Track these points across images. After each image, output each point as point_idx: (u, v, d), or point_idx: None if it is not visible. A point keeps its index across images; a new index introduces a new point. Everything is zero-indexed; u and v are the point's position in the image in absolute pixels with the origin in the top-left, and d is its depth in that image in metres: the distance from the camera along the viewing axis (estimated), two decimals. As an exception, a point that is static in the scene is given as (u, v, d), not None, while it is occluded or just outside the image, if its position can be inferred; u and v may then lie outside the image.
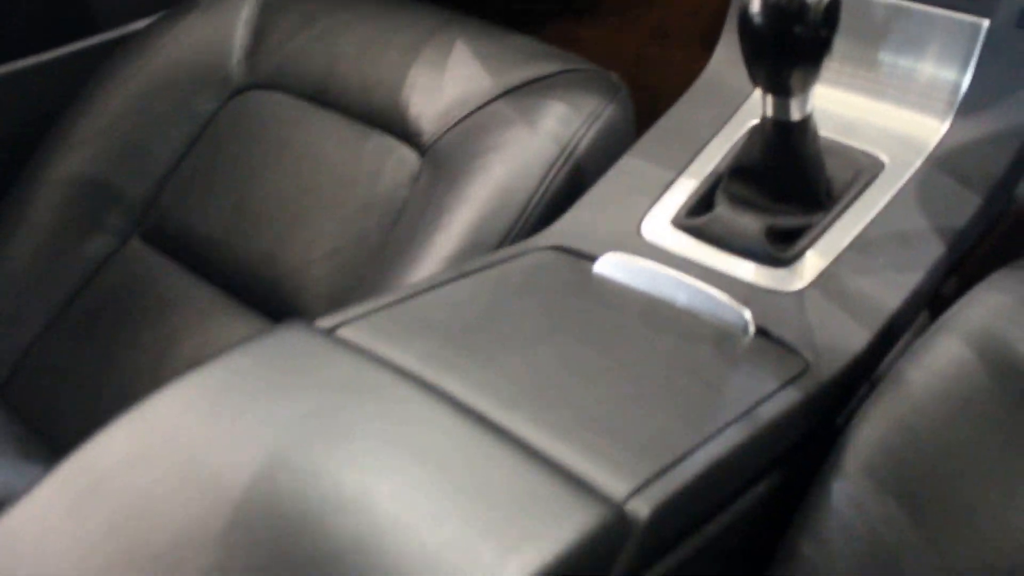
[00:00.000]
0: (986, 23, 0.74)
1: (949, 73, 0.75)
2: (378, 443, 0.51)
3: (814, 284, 0.66)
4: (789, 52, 0.61)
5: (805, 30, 0.61)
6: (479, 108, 0.88)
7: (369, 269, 0.86)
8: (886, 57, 0.78)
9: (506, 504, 0.47)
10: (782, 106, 0.66)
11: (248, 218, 0.96)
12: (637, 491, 0.49)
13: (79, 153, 1.06)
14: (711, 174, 0.74)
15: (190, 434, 0.53)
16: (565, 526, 0.46)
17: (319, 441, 0.51)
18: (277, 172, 0.96)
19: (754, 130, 0.70)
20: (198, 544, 0.47)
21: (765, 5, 0.60)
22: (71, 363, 0.98)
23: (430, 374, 0.56)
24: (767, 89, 0.65)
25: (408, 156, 0.90)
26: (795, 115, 0.66)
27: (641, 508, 0.48)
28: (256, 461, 0.50)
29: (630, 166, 0.78)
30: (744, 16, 0.61)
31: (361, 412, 0.53)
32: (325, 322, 0.62)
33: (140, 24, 1.18)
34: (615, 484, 0.49)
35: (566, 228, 0.74)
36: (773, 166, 0.70)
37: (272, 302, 0.91)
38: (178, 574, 0.46)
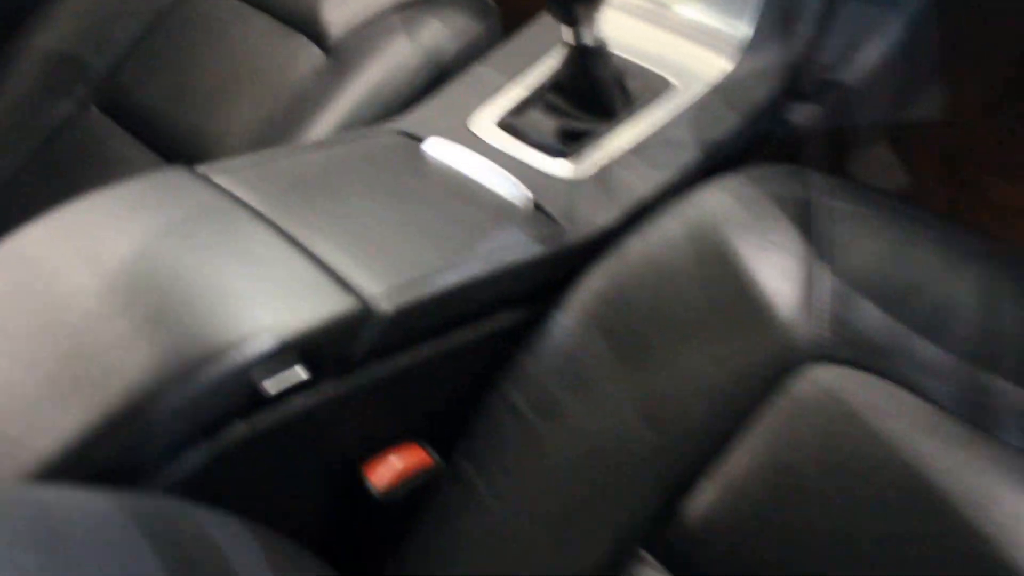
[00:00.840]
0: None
1: (735, 19, 0.93)
2: (208, 244, 0.70)
3: (590, 175, 0.85)
4: None
5: None
6: (374, 18, 1.06)
7: (274, 142, 1.04)
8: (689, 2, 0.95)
9: (285, 287, 0.66)
10: (575, 34, 0.84)
11: (185, 96, 1.14)
12: (386, 293, 0.68)
13: (55, 30, 1.24)
14: (534, 85, 0.92)
15: (90, 237, 0.72)
16: (324, 306, 0.65)
17: (172, 242, 0.70)
18: (211, 59, 1.14)
19: (565, 51, 0.88)
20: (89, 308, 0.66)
21: None
22: (32, 207, 1.17)
23: (265, 209, 0.75)
24: (559, 20, 0.82)
25: (316, 53, 1.08)
26: (587, 41, 0.84)
27: (386, 305, 0.67)
28: (129, 250, 0.70)
29: (476, 73, 0.96)
30: None
31: (204, 226, 0.73)
32: (203, 169, 0.80)
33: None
34: (371, 286, 0.68)
35: (414, 118, 0.92)
36: (574, 81, 0.88)
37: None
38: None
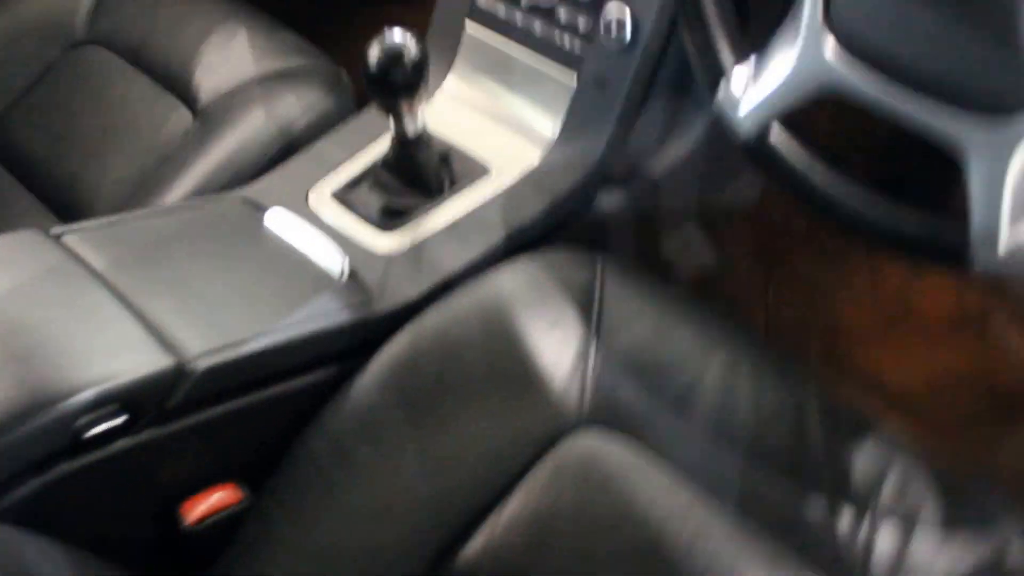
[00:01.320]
0: (574, 79, 1.04)
1: (546, 112, 1.06)
2: (47, 303, 0.81)
3: (404, 250, 0.97)
4: (389, 90, 0.91)
5: (402, 75, 0.91)
6: (237, 88, 1.17)
7: (142, 198, 1.15)
8: (511, 94, 1.08)
9: (113, 344, 0.78)
10: (398, 124, 0.96)
11: (66, 147, 1.24)
12: (201, 353, 0.80)
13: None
14: (369, 163, 1.05)
15: None
16: (144, 363, 0.77)
17: (13, 300, 0.81)
18: (92, 113, 1.24)
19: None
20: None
21: (374, 56, 0.90)
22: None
23: (106, 270, 0.86)
24: (384, 112, 0.95)
25: (185, 116, 1.19)
26: (409, 132, 0.97)
27: (199, 364, 0.79)
28: None
29: (321, 148, 1.08)
30: (363, 63, 0.91)
31: (46, 286, 0.83)
32: (57, 230, 0.91)
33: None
34: (189, 346, 0.80)
35: (261, 187, 1.04)
36: (399, 162, 1.00)
37: (73, 213, 1.20)
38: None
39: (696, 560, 0.73)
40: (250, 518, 0.84)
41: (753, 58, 0.75)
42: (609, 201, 1.09)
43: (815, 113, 0.74)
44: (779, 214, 1.33)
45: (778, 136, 0.74)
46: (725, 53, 0.75)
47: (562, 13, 1.04)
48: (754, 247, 1.36)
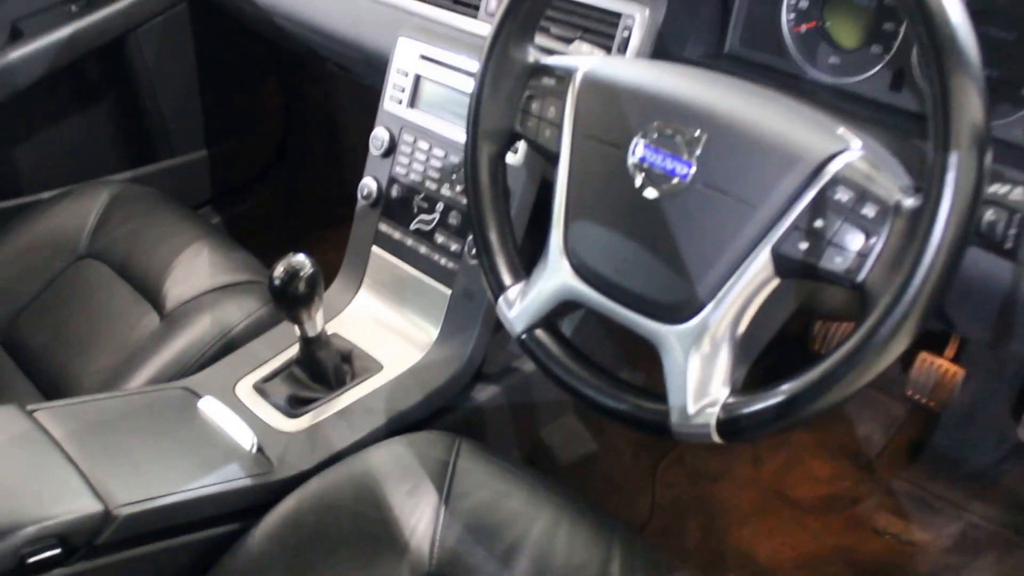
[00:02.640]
0: (449, 292, 1.32)
1: (429, 319, 1.34)
2: (8, 455, 1.07)
3: (304, 430, 1.23)
4: (290, 302, 1.19)
5: (298, 289, 1.18)
6: (195, 297, 1.46)
7: (113, 384, 1.42)
8: (404, 304, 1.37)
9: (56, 492, 1.03)
10: (300, 329, 1.24)
11: (60, 341, 1.52)
12: (125, 503, 1.05)
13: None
14: (286, 360, 1.32)
15: None
16: (78, 507, 1.01)
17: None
18: (83, 315, 1.53)
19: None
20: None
21: (277, 273, 1.18)
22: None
23: (62, 438, 1.11)
24: (287, 318, 1.23)
25: (154, 319, 1.48)
26: (309, 334, 1.24)
27: (123, 511, 1.04)
28: None
29: (252, 348, 1.35)
30: (268, 279, 1.19)
31: (9, 448, 1.09)
32: (32, 407, 1.18)
33: (43, 195, 1.79)
34: (117, 497, 1.05)
35: (199, 378, 1.31)
36: (306, 360, 1.28)
37: (59, 396, 1.47)
38: None
39: None
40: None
41: (523, 281, 1.03)
42: (485, 393, 1.34)
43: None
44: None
45: (541, 335, 1.00)
46: (504, 275, 1.03)
47: (438, 237, 1.33)
48: (640, 438, 1.60)
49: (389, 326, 1.38)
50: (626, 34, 1.19)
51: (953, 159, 0.71)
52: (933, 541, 1.44)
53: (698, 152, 0.86)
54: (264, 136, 2.21)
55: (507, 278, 1.03)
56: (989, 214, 0.78)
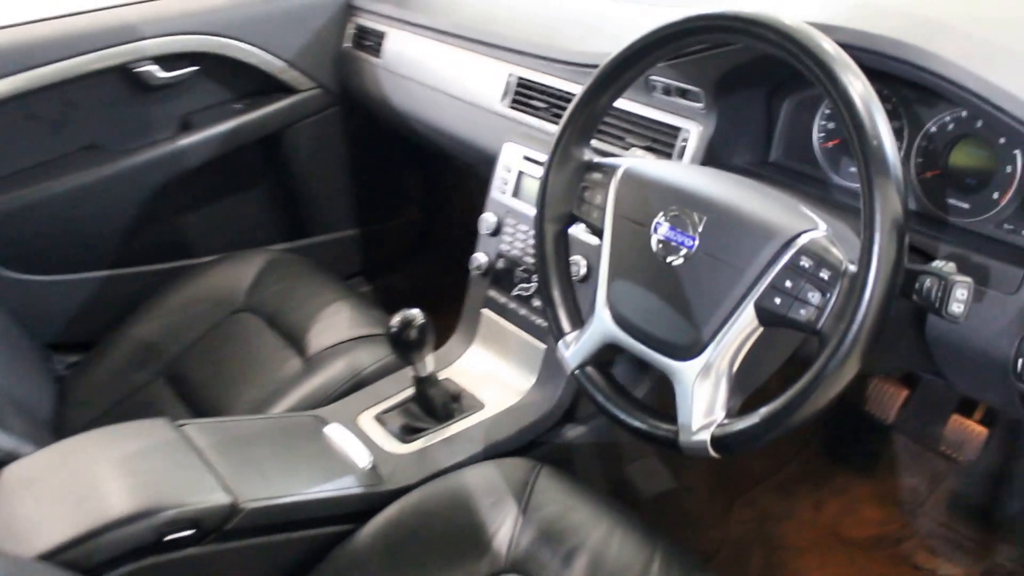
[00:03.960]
0: (544, 347, 1.49)
1: (528, 369, 1.51)
2: (158, 456, 1.28)
3: (412, 452, 1.41)
4: (404, 346, 1.38)
5: (410, 336, 1.38)
6: (333, 345, 1.68)
7: (258, 411, 1.64)
8: (507, 355, 1.55)
9: (195, 486, 1.23)
10: (414, 370, 1.43)
11: (215, 377, 1.75)
12: (251, 499, 1.24)
13: (149, 325, 1.89)
14: (406, 397, 1.51)
15: (89, 452, 1.30)
16: (211, 498, 1.21)
17: (140, 453, 1.29)
18: (238, 357, 1.76)
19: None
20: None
21: (393, 323, 1.37)
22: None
23: (204, 447, 1.32)
24: (402, 361, 1.42)
25: (297, 363, 1.69)
26: (421, 373, 1.43)
27: (248, 506, 1.23)
28: (107, 457, 1.28)
29: (377, 386, 1.55)
30: (387, 328, 1.39)
31: (160, 449, 1.30)
32: (181, 422, 1.39)
33: (208, 258, 2.06)
34: (244, 493, 1.24)
35: (330, 409, 1.51)
36: (420, 397, 1.46)
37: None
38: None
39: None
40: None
41: (578, 329, 1.21)
42: (573, 432, 1.50)
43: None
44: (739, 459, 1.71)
45: (590, 371, 1.17)
46: (564, 324, 1.23)
47: (534, 301, 1.51)
48: (716, 480, 1.73)
49: (494, 374, 1.56)
50: (683, 144, 1.40)
51: (876, 239, 0.91)
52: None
53: (700, 229, 1.07)
54: (407, 219, 2.46)
55: (566, 326, 1.24)
56: (928, 282, 0.94)
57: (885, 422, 1.73)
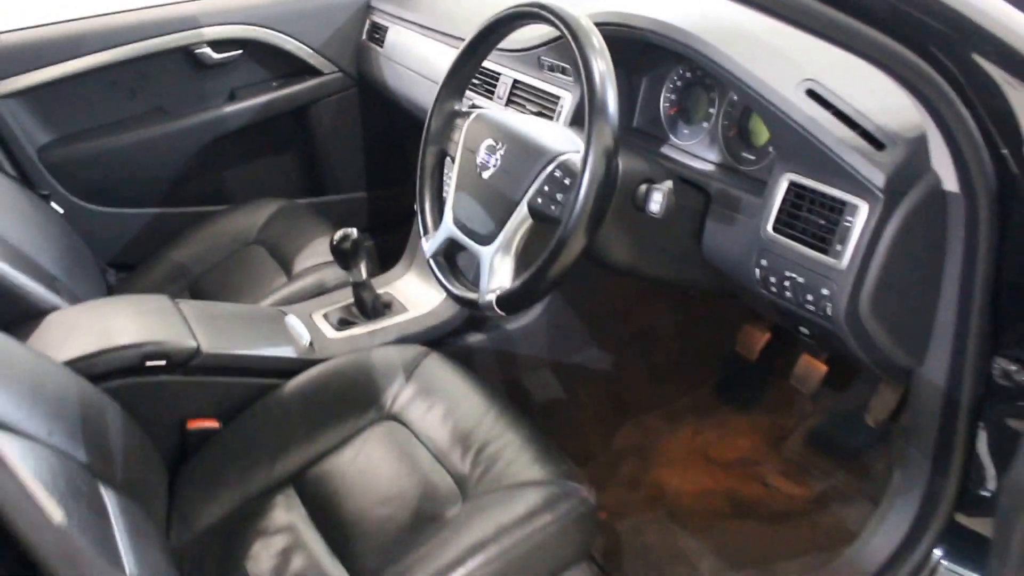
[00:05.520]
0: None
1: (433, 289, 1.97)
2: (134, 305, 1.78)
3: (342, 338, 1.88)
4: (341, 255, 1.86)
5: (345, 245, 1.85)
6: (310, 267, 2.16)
7: (249, 317, 2.12)
8: (430, 280, 2.01)
9: (169, 331, 1.73)
10: (350, 274, 1.90)
11: (224, 288, 2.25)
12: (210, 349, 1.73)
13: (182, 251, 2.39)
14: (348, 300, 1.98)
15: (102, 312, 1.82)
16: (180, 341, 1.71)
17: (122, 313, 1.79)
18: (242, 275, 2.25)
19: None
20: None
21: (335, 236, 1.85)
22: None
23: (189, 314, 1.82)
24: (343, 268, 1.89)
25: (284, 279, 2.18)
26: (354, 279, 1.90)
27: (208, 350, 1.72)
28: (104, 317, 1.79)
29: (334, 295, 2.03)
30: (329, 244, 1.86)
31: (140, 302, 1.81)
32: (179, 299, 1.90)
33: (239, 205, 2.57)
34: (207, 344, 1.73)
35: (294, 308, 1.99)
36: (356, 301, 1.93)
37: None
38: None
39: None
40: (216, 437, 1.72)
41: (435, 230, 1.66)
42: (473, 337, 1.95)
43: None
44: (627, 375, 2.12)
45: (439, 258, 1.61)
46: (428, 223, 1.66)
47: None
48: (607, 402, 2.14)
49: (421, 291, 2.02)
50: (560, 109, 1.80)
51: (590, 158, 1.27)
52: (801, 494, 1.87)
53: (502, 152, 1.47)
54: (408, 186, 2.93)
55: (429, 227, 1.63)
56: (642, 188, 1.39)
57: (751, 359, 2.11)
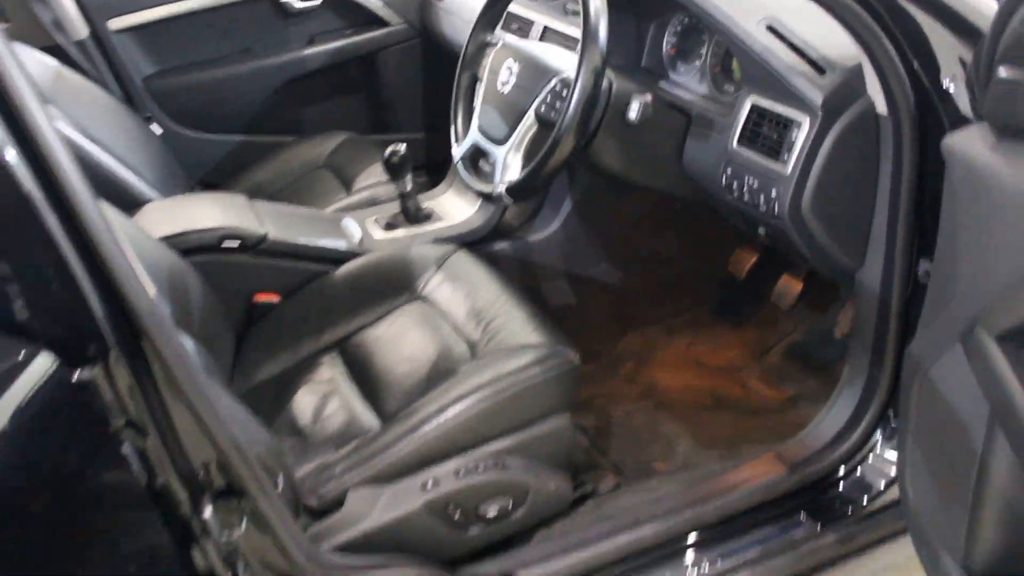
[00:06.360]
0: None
1: (474, 202, 2.29)
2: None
3: (387, 239, 2.22)
4: (391, 167, 2.19)
5: (394, 159, 2.19)
6: (366, 186, 2.50)
7: (312, 226, 2.48)
8: (468, 196, 2.34)
9: (248, 221, 2.08)
10: (396, 185, 2.23)
11: (297, 203, 2.61)
12: (276, 236, 2.08)
13: (261, 174, 2.76)
14: (398, 209, 2.32)
15: (192, 201, 2.18)
16: (249, 226, 2.06)
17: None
18: (308, 195, 2.61)
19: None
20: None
21: (386, 151, 2.19)
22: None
23: (262, 211, 2.17)
24: (392, 180, 2.23)
25: (344, 195, 2.53)
26: (399, 190, 2.24)
27: (273, 237, 2.07)
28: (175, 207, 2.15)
29: (387, 206, 2.37)
30: (381, 158, 2.20)
31: (229, 204, 2.16)
32: (254, 201, 2.25)
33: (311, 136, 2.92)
34: (274, 233, 2.08)
35: (352, 213, 2.34)
36: (401, 205, 2.27)
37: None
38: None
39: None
40: (276, 309, 2.07)
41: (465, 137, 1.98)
42: (499, 245, 2.27)
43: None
44: (632, 291, 2.42)
45: (465, 162, 1.94)
46: (459, 132, 1.99)
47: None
48: (616, 311, 2.44)
49: (457, 205, 2.34)
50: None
51: (582, 73, 1.59)
52: (775, 396, 2.16)
53: (517, 71, 1.80)
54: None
55: (460, 135, 1.96)
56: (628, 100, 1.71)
57: (739, 278, 2.40)
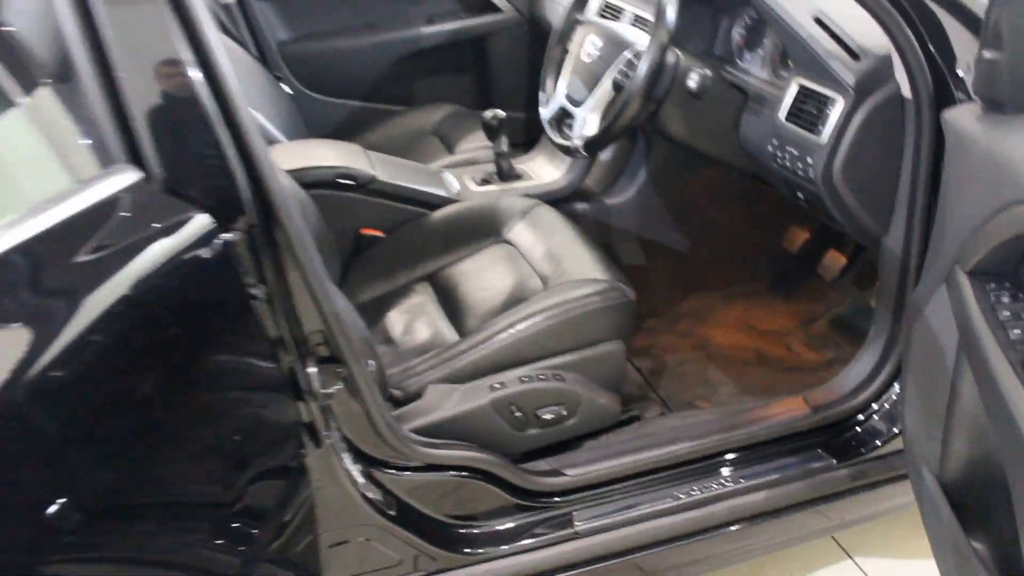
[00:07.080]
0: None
1: (564, 165, 2.59)
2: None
3: (481, 191, 2.53)
4: (489, 129, 2.51)
5: (492, 122, 2.50)
6: (469, 149, 2.82)
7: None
8: (557, 159, 2.63)
9: (362, 164, 2.41)
10: (495, 144, 2.54)
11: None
12: (381, 176, 2.40)
13: (372, 136, 3.10)
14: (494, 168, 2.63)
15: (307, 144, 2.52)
16: (363, 168, 2.39)
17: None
18: (416, 157, 2.94)
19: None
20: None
21: (485, 114, 2.50)
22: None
23: (373, 157, 2.50)
24: (488, 138, 2.54)
25: (447, 156, 2.86)
26: (496, 150, 2.55)
27: (379, 178, 2.40)
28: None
29: (485, 166, 2.68)
30: (482, 122, 2.51)
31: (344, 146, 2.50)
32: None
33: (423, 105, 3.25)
34: (380, 175, 2.41)
35: (456, 171, 2.66)
36: (498, 168, 2.58)
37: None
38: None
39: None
40: (380, 243, 2.39)
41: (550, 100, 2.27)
42: (580, 205, 2.56)
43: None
44: (696, 259, 2.68)
45: (552, 123, 2.24)
46: (549, 95, 2.29)
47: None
48: (679, 279, 2.71)
49: (545, 169, 2.64)
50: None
51: (651, 48, 1.88)
52: (815, 359, 2.40)
53: (601, 45, 2.09)
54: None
55: (550, 97, 2.26)
56: (687, 72, 1.98)
57: (792, 252, 2.65)
